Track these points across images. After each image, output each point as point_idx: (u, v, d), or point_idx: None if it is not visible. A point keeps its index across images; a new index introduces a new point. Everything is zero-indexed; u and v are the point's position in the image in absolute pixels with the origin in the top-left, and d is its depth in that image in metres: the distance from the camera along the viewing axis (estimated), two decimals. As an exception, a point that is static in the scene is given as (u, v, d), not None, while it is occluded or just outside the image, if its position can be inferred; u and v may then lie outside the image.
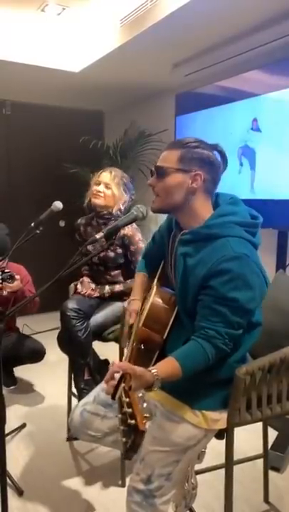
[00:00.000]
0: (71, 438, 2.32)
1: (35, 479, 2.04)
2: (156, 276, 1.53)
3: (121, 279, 2.37)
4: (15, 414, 2.63)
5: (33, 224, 1.80)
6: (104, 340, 2.27)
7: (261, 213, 1.38)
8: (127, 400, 1.04)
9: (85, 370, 2.31)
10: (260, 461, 1.90)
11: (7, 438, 2.30)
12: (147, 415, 1.04)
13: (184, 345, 1.24)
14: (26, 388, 3.00)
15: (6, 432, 2.08)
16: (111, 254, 2.30)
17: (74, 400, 2.35)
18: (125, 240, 2.27)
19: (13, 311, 1.43)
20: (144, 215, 1.49)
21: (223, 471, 1.42)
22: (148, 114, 4.37)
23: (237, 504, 1.51)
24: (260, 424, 1.79)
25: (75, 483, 2.02)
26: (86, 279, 2.43)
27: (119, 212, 2.30)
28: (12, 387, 2.96)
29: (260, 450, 1.89)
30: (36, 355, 2.76)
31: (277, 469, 2.06)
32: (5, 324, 1.36)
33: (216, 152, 1.33)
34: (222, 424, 1.35)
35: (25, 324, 3.64)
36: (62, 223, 4.50)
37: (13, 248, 1.84)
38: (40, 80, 3.80)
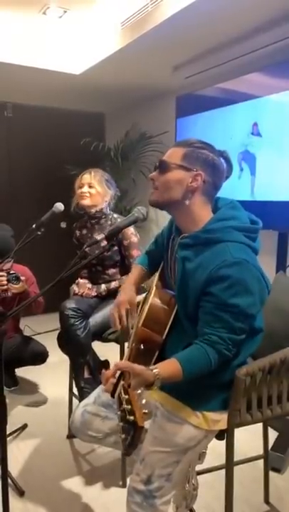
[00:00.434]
0: (71, 436, 2.34)
1: (36, 480, 2.05)
2: (156, 277, 1.54)
3: (118, 277, 2.40)
4: (16, 415, 2.64)
5: (34, 225, 1.81)
6: (105, 340, 2.27)
7: (261, 215, 1.38)
8: (126, 396, 1.05)
9: (85, 369, 2.33)
10: (261, 461, 1.90)
11: (8, 439, 2.31)
12: (146, 411, 1.04)
13: (187, 348, 1.24)
14: (28, 389, 3.00)
15: (8, 432, 2.10)
16: (107, 252, 2.32)
17: (75, 401, 2.36)
18: (118, 235, 2.29)
19: (15, 311, 1.43)
20: (145, 217, 1.52)
21: (223, 471, 1.42)
22: (149, 116, 4.38)
23: (237, 505, 1.51)
24: (260, 425, 1.79)
25: (75, 483, 2.03)
26: (82, 280, 2.45)
27: (108, 209, 2.39)
28: (13, 388, 2.96)
29: (260, 451, 1.89)
30: (39, 357, 2.77)
31: (277, 470, 2.07)
32: (8, 325, 1.36)
33: (221, 158, 1.34)
34: (222, 425, 1.35)
35: (27, 325, 3.64)
36: (63, 225, 4.50)
37: (15, 249, 1.85)
38: (42, 82, 3.82)
